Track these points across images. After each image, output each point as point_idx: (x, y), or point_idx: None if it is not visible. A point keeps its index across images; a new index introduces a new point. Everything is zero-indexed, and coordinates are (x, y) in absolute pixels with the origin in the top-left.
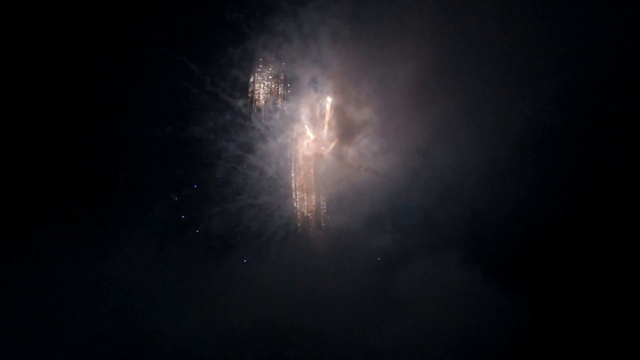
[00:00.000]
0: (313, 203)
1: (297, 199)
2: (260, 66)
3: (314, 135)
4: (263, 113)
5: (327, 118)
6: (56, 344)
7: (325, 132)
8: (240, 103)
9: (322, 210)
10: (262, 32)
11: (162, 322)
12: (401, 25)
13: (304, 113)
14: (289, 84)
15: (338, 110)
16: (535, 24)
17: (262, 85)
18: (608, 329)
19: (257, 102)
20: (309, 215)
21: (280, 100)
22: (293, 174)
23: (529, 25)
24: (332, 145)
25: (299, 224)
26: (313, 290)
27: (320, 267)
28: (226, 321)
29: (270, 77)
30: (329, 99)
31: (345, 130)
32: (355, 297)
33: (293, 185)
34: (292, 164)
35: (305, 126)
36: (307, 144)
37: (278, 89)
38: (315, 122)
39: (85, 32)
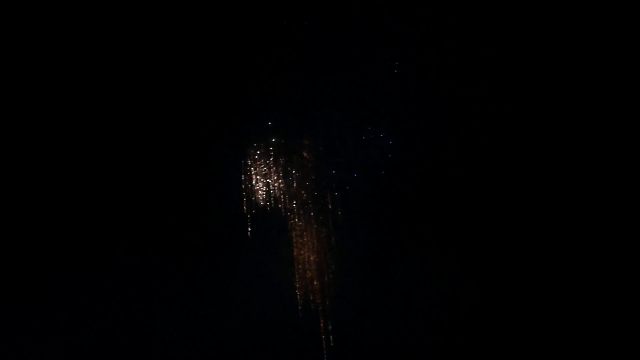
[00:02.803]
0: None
1: (289, 200)
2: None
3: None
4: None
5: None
6: (55, 344)
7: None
8: (236, 98)
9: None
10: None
11: (158, 323)
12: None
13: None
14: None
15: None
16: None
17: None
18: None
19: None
20: (302, 214)
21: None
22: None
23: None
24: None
25: (293, 223)
26: (306, 286)
27: (314, 264)
28: (222, 320)
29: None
30: None
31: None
32: (348, 292)
33: (285, 185)
34: (285, 162)
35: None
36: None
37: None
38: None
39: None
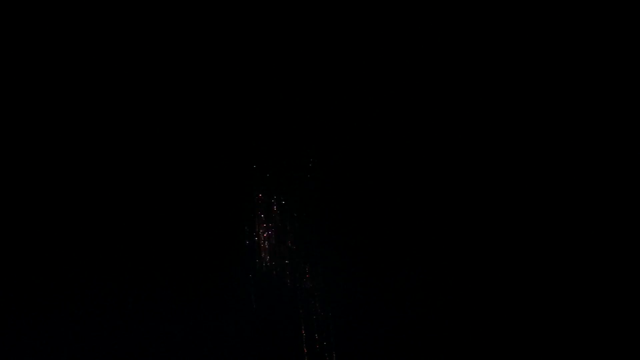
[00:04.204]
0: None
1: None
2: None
3: None
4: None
5: None
6: (53, 343)
7: None
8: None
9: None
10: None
11: (160, 322)
12: None
13: None
14: None
15: None
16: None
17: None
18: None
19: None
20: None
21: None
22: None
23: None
24: None
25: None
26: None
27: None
28: (223, 321)
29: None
30: None
31: None
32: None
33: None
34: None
35: None
36: None
37: None
38: None
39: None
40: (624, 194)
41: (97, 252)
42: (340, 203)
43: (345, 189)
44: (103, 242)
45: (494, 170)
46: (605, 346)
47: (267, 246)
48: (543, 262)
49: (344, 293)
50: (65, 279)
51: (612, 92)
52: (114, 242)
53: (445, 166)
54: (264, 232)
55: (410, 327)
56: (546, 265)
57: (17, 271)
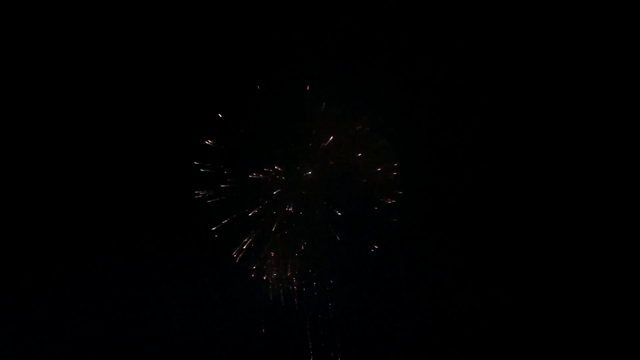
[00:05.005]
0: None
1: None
2: None
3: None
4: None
5: None
6: (54, 343)
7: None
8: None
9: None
10: None
11: (160, 320)
12: None
13: None
14: None
15: None
16: None
17: None
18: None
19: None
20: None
21: None
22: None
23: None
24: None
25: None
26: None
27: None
28: (225, 318)
29: None
30: None
31: None
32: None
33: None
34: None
35: None
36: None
37: None
38: None
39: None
40: (623, 194)
41: (104, 257)
42: (342, 212)
43: (345, 197)
44: (111, 249)
45: (492, 172)
46: (605, 346)
47: (271, 253)
48: (545, 262)
49: (347, 297)
50: (73, 286)
51: (612, 93)
52: (123, 249)
53: (441, 171)
54: (268, 238)
55: (410, 328)
56: (548, 266)
57: (24, 268)
